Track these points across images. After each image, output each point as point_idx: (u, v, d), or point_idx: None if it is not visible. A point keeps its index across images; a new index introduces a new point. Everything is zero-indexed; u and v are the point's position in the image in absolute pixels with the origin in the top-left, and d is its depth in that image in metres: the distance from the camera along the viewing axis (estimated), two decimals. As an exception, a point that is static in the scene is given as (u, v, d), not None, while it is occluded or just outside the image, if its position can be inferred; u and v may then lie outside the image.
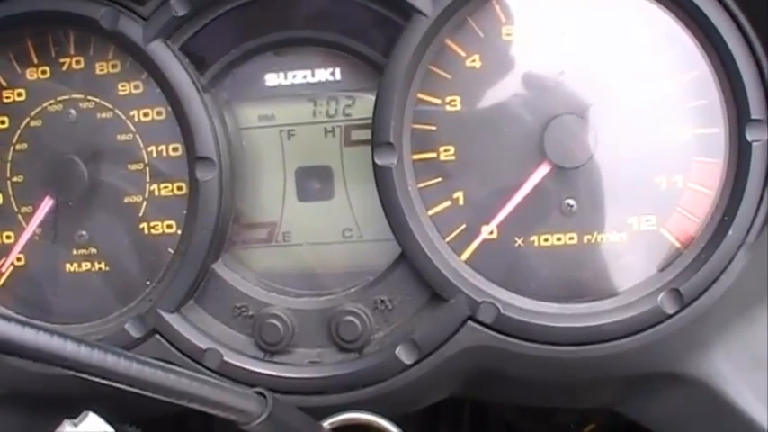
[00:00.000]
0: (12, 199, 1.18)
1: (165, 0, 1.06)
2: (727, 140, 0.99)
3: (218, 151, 1.07)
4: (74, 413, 0.88)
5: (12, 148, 1.17)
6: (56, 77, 1.15)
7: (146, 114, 1.12)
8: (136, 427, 1.16)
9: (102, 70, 1.13)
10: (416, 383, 1.04)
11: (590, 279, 1.02)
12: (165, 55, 1.07)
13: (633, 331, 0.98)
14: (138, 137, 1.13)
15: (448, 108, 1.04)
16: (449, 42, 1.03)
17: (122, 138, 1.13)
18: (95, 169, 1.14)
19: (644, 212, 1.01)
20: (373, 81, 1.05)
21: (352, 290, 1.09)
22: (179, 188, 1.12)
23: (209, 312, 1.11)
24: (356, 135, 1.10)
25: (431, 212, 1.04)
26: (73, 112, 1.14)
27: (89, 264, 1.16)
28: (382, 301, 1.07)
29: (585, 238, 1.02)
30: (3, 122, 1.17)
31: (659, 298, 0.98)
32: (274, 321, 1.08)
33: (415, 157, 1.04)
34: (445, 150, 1.04)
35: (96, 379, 0.73)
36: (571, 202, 1.02)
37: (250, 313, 1.10)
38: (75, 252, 1.16)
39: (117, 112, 1.13)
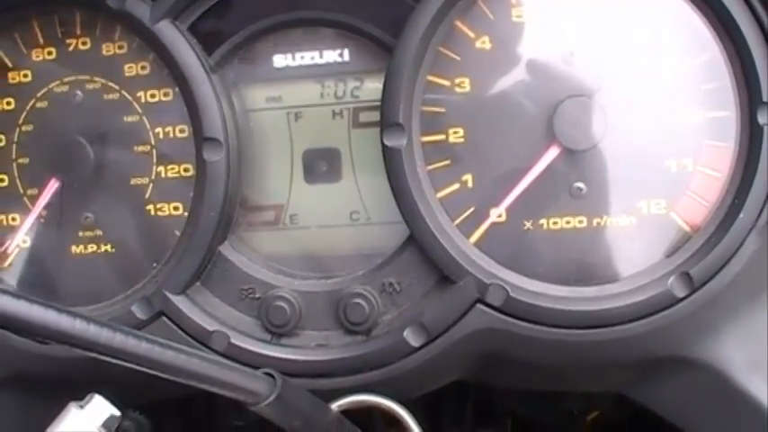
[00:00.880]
0: (17, 181, 1.17)
1: (173, -21, 1.06)
2: (739, 124, 0.98)
3: (226, 132, 1.07)
4: (76, 398, 0.88)
5: (17, 129, 1.16)
6: (62, 58, 1.14)
7: (152, 95, 1.12)
8: (139, 412, 1.17)
9: (108, 51, 1.13)
10: (424, 366, 1.03)
11: (599, 262, 1.02)
12: (172, 35, 1.07)
13: (643, 315, 0.97)
14: (144, 118, 1.12)
15: (457, 90, 1.03)
16: (458, 23, 1.02)
17: (129, 119, 1.13)
18: (101, 151, 1.13)
19: (654, 196, 1.00)
20: (382, 62, 1.04)
21: (360, 272, 1.08)
22: (186, 170, 1.12)
23: (215, 294, 1.11)
24: (364, 117, 1.09)
25: (439, 195, 1.04)
26: (79, 93, 1.14)
27: (95, 246, 1.16)
28: (390, 284, 1.06)
29: (595, 222, 1.02)
30: (9, 103, 1.17)
31: (669, 282, 0.97)
32: (281, 304, 1.07)
33: (424, 138, 1.04)
34: (454, 132, 1.04)
35: (106, 358, 0.73)
36: (580, 185, 1.01)
37: (257, 295, 1.10)
38: (80, 234, 1.16)
39: (124, 93, 1.12)
